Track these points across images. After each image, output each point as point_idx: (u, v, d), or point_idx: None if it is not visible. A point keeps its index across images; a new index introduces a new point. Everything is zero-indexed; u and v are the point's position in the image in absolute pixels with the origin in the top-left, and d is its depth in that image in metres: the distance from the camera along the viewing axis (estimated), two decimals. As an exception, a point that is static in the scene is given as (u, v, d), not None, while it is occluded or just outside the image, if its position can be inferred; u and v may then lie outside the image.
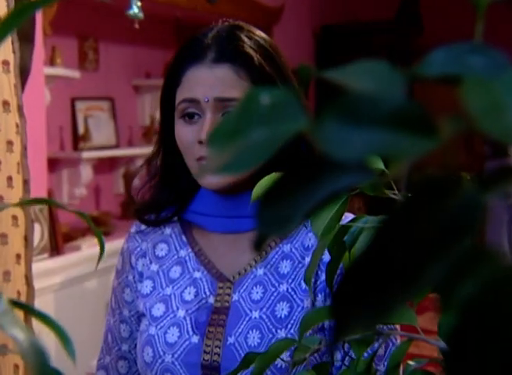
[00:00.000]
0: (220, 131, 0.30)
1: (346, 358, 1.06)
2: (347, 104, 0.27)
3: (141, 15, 2.64)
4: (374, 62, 0.30)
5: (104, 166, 3.83)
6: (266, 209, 0.28)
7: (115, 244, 3.32)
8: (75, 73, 3.39)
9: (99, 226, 3.51)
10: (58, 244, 3.00)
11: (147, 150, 4.55)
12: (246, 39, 1.09)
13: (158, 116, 4.12)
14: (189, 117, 1.10)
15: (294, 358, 0.64)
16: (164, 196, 1.19)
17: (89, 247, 3.20)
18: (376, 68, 0.29)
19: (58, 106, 3.42)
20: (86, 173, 3.53)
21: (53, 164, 3.38)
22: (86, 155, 3.50)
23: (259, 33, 1.14)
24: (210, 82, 1.07)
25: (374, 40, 5.16)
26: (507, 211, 3.73)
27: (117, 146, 3.86)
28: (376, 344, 0.71)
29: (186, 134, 1.10)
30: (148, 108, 4.09)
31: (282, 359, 0.66)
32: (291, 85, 1.13)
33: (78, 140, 3.61)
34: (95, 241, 3.31)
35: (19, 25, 0.41)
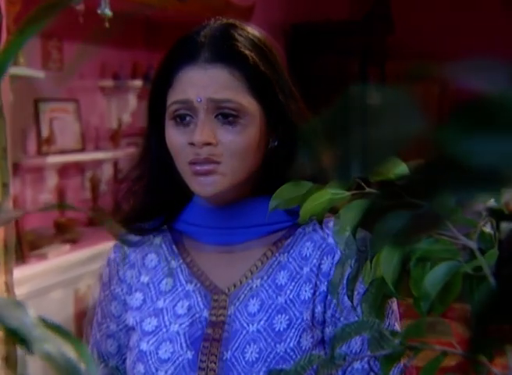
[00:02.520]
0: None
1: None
2: (479, 107, 0.24)
3: (109, 12, 2.58)
4: (487, 60, 0.27)
5: (69, 171, 3.71)
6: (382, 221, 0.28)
7: (82, 253, 3.21)
8: (39, 73, 3.26)
9: (65, 234, 3.38)
10: (23, 252, 2.89)
11: (115, 154, 4.40)
12: (240, 38, 1.07)
13: (125, 118, 3.95)
14: (180, 119, 1.06)
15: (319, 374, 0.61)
16: (152, 204, 1.14)
17: (56, 255, 3.09)
18: (493, 66, 0.27)
19: (21, 108, 3.28)
20: (50, 178, 3.44)
21: (16, 169, 3.25)
22: (50, 159, 3.40)
23: (253, 31, 1.11)
24: (203, 82, 1.04)
25: (343, 39, 5.25)
26: None
27: (83, 150, 3.74)
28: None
29: (177, 137, 1.06)
30: (116, 111, 3.98)
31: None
32: (287, 85, 1.09)
33: (42, 143, 3.47)
34: (62, 248, 3.19)
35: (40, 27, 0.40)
